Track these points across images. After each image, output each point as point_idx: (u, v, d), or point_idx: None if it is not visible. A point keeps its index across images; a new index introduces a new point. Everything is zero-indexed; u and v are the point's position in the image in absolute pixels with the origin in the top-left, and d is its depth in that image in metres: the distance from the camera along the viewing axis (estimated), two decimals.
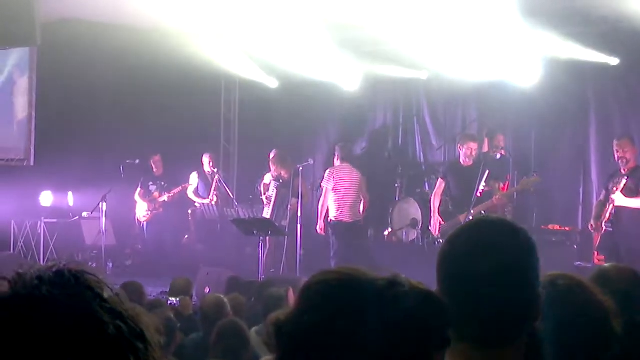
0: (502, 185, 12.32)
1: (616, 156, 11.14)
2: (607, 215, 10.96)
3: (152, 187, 15.26)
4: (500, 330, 2.16)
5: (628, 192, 10.83)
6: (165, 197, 15.12)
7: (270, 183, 14.05)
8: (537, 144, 14.01)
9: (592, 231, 11.26)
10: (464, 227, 2.29)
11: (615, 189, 10.86)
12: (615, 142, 11.28)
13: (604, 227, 10.97)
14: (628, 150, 11.01)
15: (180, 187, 15.23)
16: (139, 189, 15.33)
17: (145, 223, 15.42)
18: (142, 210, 15.36)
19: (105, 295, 1.34)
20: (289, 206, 13.49)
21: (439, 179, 12.59)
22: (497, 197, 11.76)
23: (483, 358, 2.14)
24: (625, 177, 10.85)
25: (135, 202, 15.45)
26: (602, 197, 11.45)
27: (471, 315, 2.13)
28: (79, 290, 1.32)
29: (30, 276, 1.33)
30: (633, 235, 10.73)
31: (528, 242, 2.21)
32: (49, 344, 1.25)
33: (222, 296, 7.74)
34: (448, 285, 2.18)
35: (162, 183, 15.22)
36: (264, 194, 14.12)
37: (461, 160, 12.20)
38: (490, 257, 2.15)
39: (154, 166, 15.29)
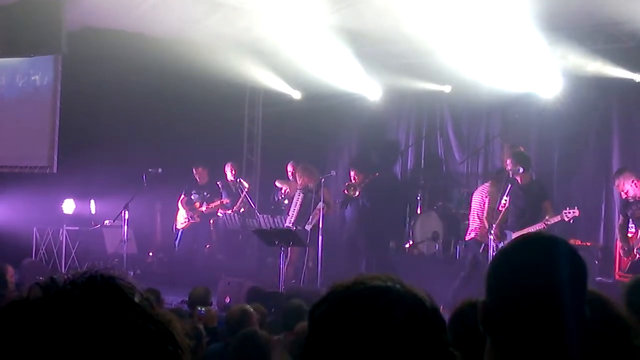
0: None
1: (621, 196, 11.22)
2: (639, 243, 10.95)
3: (195, 196, 15.29)
4: (548, 345, 2.17)
5: None
6: (204, 208, 15.15)
7: (291, 192, 14.17)
8: (560, 159, 13.98)
9: (621, 255, 11.25)
10: (519, 241, 2.34)
11: None
12: (614, 184, 11.31)
13: (637, 254, 10.95)
14: (628, 188, 11.05)
15: (219, 202, 15.25)
16: (182, 196, 15.36)
17: (181, 231, 15.44)
18: (181, 218, 15.40)
19: (137, 299, 1.35)
20: (315, 211, 13.52)
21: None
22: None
23: None
24: None
25: (178, 209, 15.49)
26: (621, 221, 11.44)
27: (518, 330, 2.16)
28: (112, 295, 1.33)
29: (63, 281, 1.34)
30: None
31: (578, 260, 2.24)
32: (82, 348, 1.26)
33: (248, 307, 7.74)
34: (497, 297, 2.20)
35: (205, 193, 15.25)
36: (284, 201, 14.25)
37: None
38: (540, 273, 2.18)
39: (197, 177, 15.32)
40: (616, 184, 11.21)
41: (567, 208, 11.25)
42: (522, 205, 11.57)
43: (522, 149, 13.05)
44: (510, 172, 11.68)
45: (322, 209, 13.50)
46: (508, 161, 11.87)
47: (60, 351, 1.25)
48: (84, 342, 1.26)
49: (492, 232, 11.48)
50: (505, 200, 11.90)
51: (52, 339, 1.26)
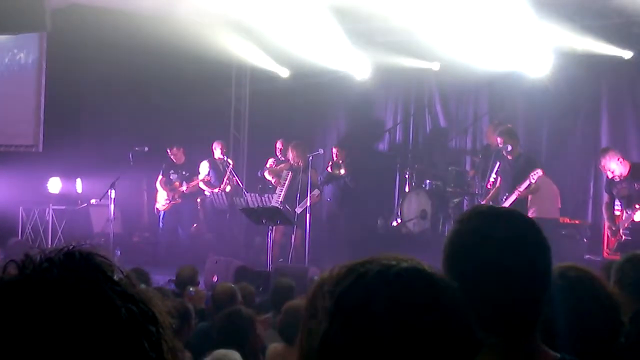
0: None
1: (607, 176, 11.20)
2: (626, 224, 10.93)
3: (174, 176, 15.18)
4: (515, 320, 2.13)
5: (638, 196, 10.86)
6: (184, 187, 15.08)
7: (279, 168, 14.17)
8: (549, 137, 13.99)
9: (609, 234, 11.25)
10: (473, 217, 2.24)
11: (637, 206, 10.81)
12: (600, 165, 11.30)
13: (623, 236, 10.96)
14: (614, 167, 11.04)
15: (198, 180, 15.21)
16: (160, 177, 15.23)
17: (163, 212, 15.36)
18: (162, 199, 15.31)
19: (116, 277, 1.33)
20: (310, 197, 13.49)
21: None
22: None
23: (498, 347, 2.10)
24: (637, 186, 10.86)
25: (157, 190, 15.38)
26: (607, 199, 11.47)
27: (483, 308, 2.09)
28: (90, 273, 1.31)
29: (40, 259, 1.31)
30: None
31: (539, 233, 2.20)
32: (61, 327, 1.23)
33: (233, 285, 7.73)
34: (458, 276, 2.14)
35: (184, 172, 15.17)
36: (273, 178, 14.22)
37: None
38: (502, 249, 2.13)
39: (173, 158, 15.20)
40: (602, 163, 11.19)
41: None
42: (511, 181, 11.59)
43: (510, 126, 13.04)
44: (502, 150, 11.74)
45: (317, 196, 13.56)
46: (498, 139, 11.88)
47: (38, 333, 1.23)
48: (63, 324, 1.23)
49: None
50: (494, 177, 11.94)
51: (29, 320, 1.24)
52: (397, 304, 1.64)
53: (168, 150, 15.17)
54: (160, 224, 15.51)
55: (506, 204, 11.36)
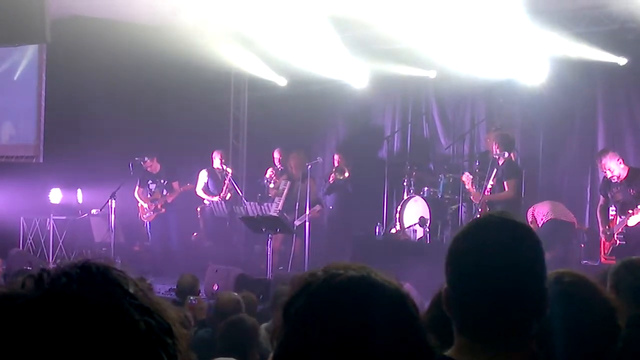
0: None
1: (605, 176, 11.20)
2: (620, 229, 10.94)
3: (152, 186, 15.15)
4: (511, 326, 2.17)
5: (632, 201, 10.86)
6: (169, 199, 15.06)
7: (278, 178, 14.26)
8: (545, 143, 14.03)
9: (603, 238, 11.26)
10: (472, 225, 2.32)
11: (630, 211, 10.80)
12: (598, 164, 11.30)
13: (617, 240, 10.96)
14: (614, 168, 11.00)
15: (186, 187, 15.23)
16: (137, 187, 15.19)
17: (148, 223, 15.38)
18: (144, 210, 15.28)
19: (132, 290, 1.34)
20: (310, 212, 13.61)
21: None
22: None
23: (494, 355, 2.15)
24: (631, 191, 10.88)
25: (137, 201, 15.34)
26: (602, 202, 11.46)
27: (481, 313, 2.15)
28: (108, 287, 1.32)
29: (56, 273, 1.32)
30: None
31: (534, 240, 2.24)
32: (83, 343, 1.24)
33: (237, 295, 7.77)
34: (458, 281, 2.20)
35: (162, 181, 15.13)
36: (270, 187, 14.31)
37: None
38: (499, 255, 2.17)
39: (148, 169, 15.16)
40: (602, 162, 11.13)
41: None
42: (498, 187, 11.84)
43: (508, 134, 13.15)
44: (498, 157, 11.87)
45: (318, 211, 13.70)
46: (495, 145, 11.98)
47: (61, 349, 1.24)
48: (85, 339, 1.25)
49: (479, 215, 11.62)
50: (491, 184, 12.05)
51: (52, 336, 1.24)
52: (339, 312, 1.69)
53: (142, 163, 15.11)
54: (149, 234, 15.54)
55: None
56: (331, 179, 14.64)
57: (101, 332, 1.26)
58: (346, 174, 14.56)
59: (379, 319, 1.70)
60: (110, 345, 1.26)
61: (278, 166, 14.98)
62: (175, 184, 15.19)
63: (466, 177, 12.48)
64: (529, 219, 12.11)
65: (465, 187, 12.58)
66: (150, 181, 15.16)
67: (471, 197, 12.43)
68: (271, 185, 14.73)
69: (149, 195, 15.17)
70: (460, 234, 2.28)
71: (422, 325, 1.77)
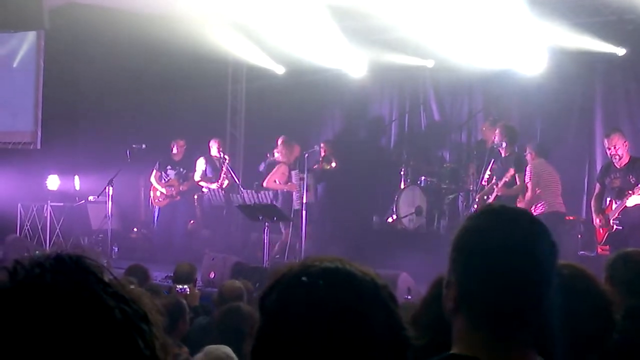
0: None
1: (608, 153, 11.11)
2: (616, 214, 10.92)
3: (171, 172, 15.04)
4: (525, 320, 2.17)
5: (630, 188, 10.82)
6: (184, 186, 14.99)
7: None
8: (543, 133, 14.05)
9: (597, 227, 11.23)
10: (484, 219, 2.26)
11: (630, 192, 10.76)
12: (605, 140, 11.20)
13: (614, 226, 10.94)
14: (620, 147, 10.87)
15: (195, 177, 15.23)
16: (154, 172, 15.11)
17: (158, 208, 15.32)
18: (158, 195, 15.16)
19: (106, 279, 1.35)
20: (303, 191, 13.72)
21: None
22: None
23: (498, 345, 2.15)
24: (631, 179, 10.83)
25: (151, 184, 15.25)
26: (598, 190, 11.41)
27: (488, 302, 2.14)
28: (82, 276, 1.32)
29: (30, 264, 1.32)
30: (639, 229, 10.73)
31: (548, 234, 2.23)
32: (60, 332, 1.25)
33: (240, 283, 7.78)
34: (473, 277, 2.18)
35: (182, 169, 15.06)
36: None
37: None
38: (518, 251, 2.16)
39: (176, 150, 15.05)
40: (610, 138, 10.96)
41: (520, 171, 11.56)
42: (502, 177, 11.77)
43: (512, 125, 13.17)
44: (495, 146, 11.87)
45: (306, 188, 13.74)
46: (496, 133, 11.99)
47: (37, 339, 1.25)
48: (61, 328, 1.25)
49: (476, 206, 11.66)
50: (488, 174, 12.05)
51: (27, 327, 1.25)
52: (312, 303, 1.69)
53: (174, 144, 15.12)
54: (155, 219, 15.51)
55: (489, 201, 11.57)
56: (317, 166, 14.69)
57: (76, 320, 1.27)
58: (333, 164, 14.60)
59: (353, 310, 1.69)
60: (85, 333, 1.27)
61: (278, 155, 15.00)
62: (192, 176, 15.12)
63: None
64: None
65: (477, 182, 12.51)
66: (169, 167, 15.07)
67: (478, 195, 12.25)
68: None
69: (163, 181, 15.08)
70: (468, 224, 2.25)
71: (398, 316, 1.76)
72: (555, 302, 2.21)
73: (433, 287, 2.96)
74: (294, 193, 13.99)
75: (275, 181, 13.94)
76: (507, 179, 11.74)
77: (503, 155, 11.86)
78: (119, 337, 1.30)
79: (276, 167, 13.98)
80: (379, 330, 1.70)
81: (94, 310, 1.29)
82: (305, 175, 13.91)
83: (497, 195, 11.65)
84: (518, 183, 11.71)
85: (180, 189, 15.00)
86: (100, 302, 1.30)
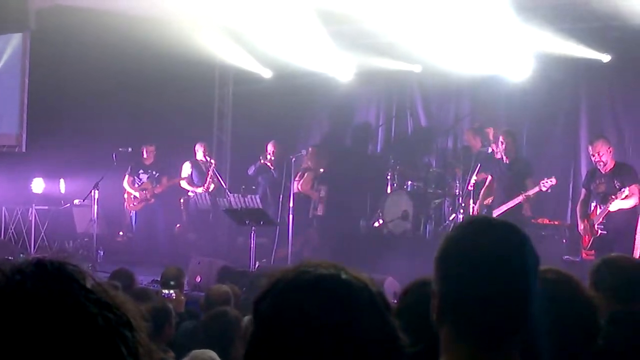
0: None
1: (593, 160, 11.18)
2: (600, 219, 10.97)
3: (144, 176, 15.13)
4: (511, 329, 2.17)
5: (615, 193, 10.87)
6: (158, 189, 15.03)
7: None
8: (529, 139, 14.08)
9: (582, 232, 11.28)
10: (469, 229, 2.27)
11: (613, 197, 10.81)
12: (589, 147, 11.29)
13: (599, 230, 10.98)
14: (604, 153, 10.94)
15: (174, 180, 15.20)
16: (127, 177, 15.16)
17: (134, 212, 15.33)
18: (131, 199, 15.25)
19: (89, 285, 1.33)
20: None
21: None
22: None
23: (483, 356, 2.15)
24: (616, 184, 10.87)
25: (124, 189, 15.30)
26: (583, 196, 11.48)
27: (484, 319, 2.14)
28: (64, 282, 1.31)
29: (10, 270, 1.31)
30: (624, 234, 10.77)
31: (530, 243, 2.23)
32: (42, 340, 1.24)
33: (227, 288, 7.77)
34: (456, 287, 2.18)
35: (154, 172, 15.11)
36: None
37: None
38: (502, 261, 2.16)
39: (146, 155, 15.15)
40: (594, 145, 11.05)
41: (545, 178, 11.45)
42: (509, 184, 11.80)
43: (491, 130, 13.25)
44: (497, 152, 12.00)
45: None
46: (500, 139, 12.09)
47: (18, 347, 1.23)
48: (43, 336, 1.24)
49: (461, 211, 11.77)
50: (475, 179, 12.13)
51: (8, 334, 1.24)
52: (307, 310, 1.68)
53: (144, 148, 15.13)
54: (134, 224, 15.50)
55: (504, 208, 11.61)
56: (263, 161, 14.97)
57: (58, 328, 1.26)
58: (321, 170, 14.74)
59: (347, 317, 1.69)
60: (67, 341, 1.25)
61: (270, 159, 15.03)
62: (165, 179, 15.16)
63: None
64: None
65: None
66: (141, 171, 15.12)
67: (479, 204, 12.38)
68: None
69: (136, 185, 15.10)
70: (454, 234, 2.25)
71: (393, 323, 1.76)
72: (540, 308, 2.22)
73: (403, 297, 2.88)
74: (312, 202, 14.20)
75: (300, 187, 14.29)
76: (477, 179, 11.97)
77: (507, 162, 11.95)
78: (102, 344, 1.29)
79: (306, 175, 14.14)
80: (373, 337, 1.70)
81: (76, 317, 1.28)
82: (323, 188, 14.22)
83: (520, 201, 11.74)
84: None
85: (155, 192, 15.00)
86: (82, 309, 1.29)
